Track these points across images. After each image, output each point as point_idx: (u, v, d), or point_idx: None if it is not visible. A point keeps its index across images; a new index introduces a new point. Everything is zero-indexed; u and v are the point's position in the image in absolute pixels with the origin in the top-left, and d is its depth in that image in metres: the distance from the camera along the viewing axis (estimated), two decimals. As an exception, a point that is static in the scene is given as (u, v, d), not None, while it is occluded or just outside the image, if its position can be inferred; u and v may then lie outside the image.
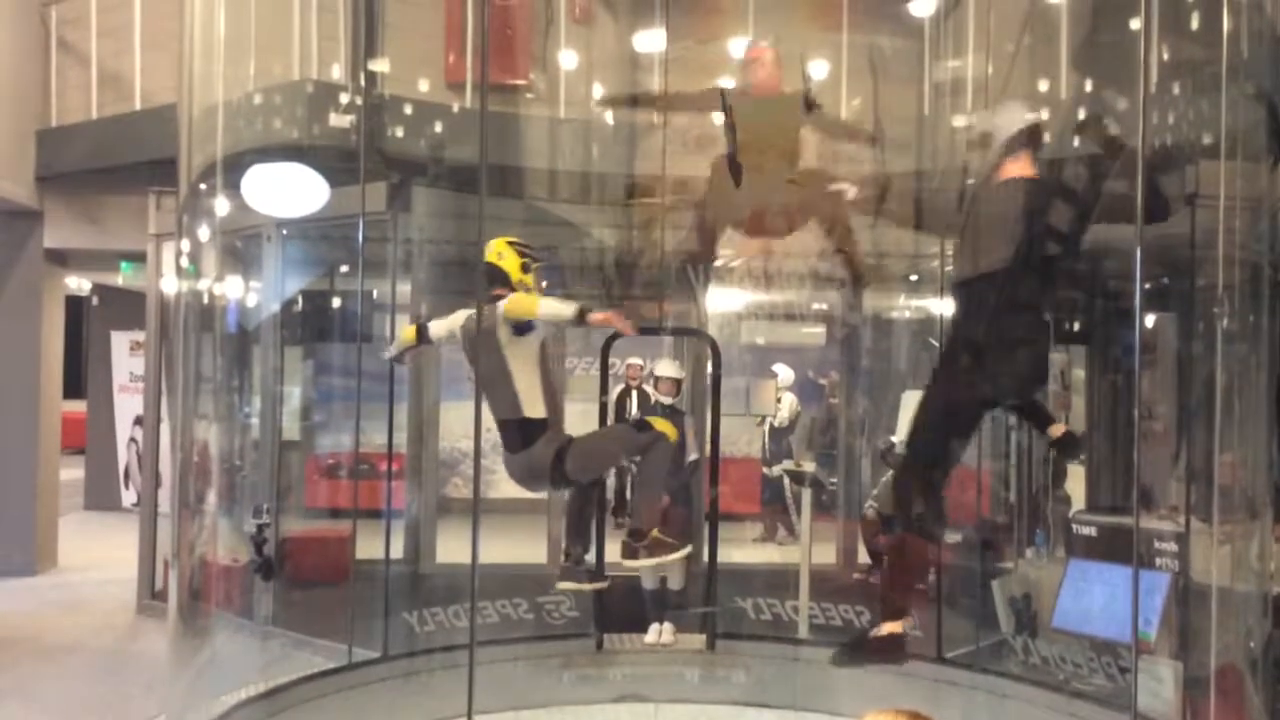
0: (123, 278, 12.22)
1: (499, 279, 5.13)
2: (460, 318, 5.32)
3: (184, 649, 5.95)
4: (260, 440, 8.13)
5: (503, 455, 5.24)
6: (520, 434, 5.07)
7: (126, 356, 15.06)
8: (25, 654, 8.35)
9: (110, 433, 15.15)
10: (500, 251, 5.16)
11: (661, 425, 5.31)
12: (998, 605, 7.43)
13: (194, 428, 5.74)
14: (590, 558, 6.03)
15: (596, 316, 4.80)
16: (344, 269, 6.34)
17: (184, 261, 5.81)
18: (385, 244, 6.98)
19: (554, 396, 5.23)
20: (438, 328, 5.46)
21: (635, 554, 5.37)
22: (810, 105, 6.29)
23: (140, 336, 14.62)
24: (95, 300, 15.28)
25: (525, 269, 5.18)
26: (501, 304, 4.95)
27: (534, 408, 5.05)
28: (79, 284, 14.39)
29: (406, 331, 5.62)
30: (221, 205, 5.88)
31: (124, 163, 9.46)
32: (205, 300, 5.92)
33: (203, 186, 5.47)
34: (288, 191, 6.00)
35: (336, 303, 6.84)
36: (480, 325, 4.99)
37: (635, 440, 5.32)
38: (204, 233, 5.99)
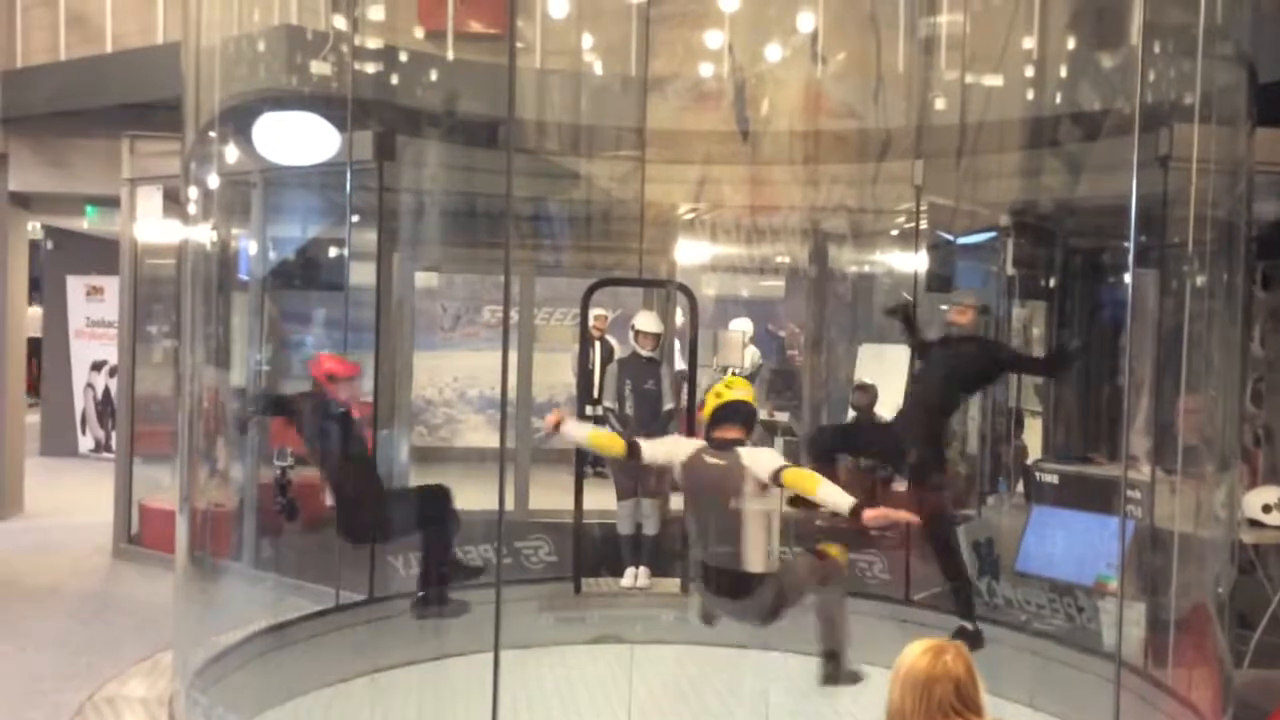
0: (88, 222, 12.05)
1: (742, 418, 4.94)
2: (682, 452, 5.01)
3: (187, 591, 6.04)
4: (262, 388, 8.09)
5: (701, 575, 5.01)
6: (733, 584, 4.84)
7: (83, 301, 14.89)
8: (8, 597, 8.32)
9: (66, 378, 14.99)
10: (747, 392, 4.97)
11: (835, 552, 5.14)
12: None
13: (203, 374, 5.76)
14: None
15: (869, 514, 4.52)
16: (355, 219, 6.34)
17: (192, 209, 5.80)
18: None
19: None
20: (652, 450, 5.14)
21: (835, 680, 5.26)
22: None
23: (97, 281, 14.48)
24: (49, 244, 15.01)
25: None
26: (780, 470, 4.68)
27: (758, 563, 4.78)
28: (32, 228, 14.08)
29: (614, 442, 5.28)
30: (216, 152, 5.85)
31: (93, 106, 9.37)
32: (213, 247, 5.90)
33: (211, 134, 5.46)
34: (297, 139, 6.00)
35: (345, 252, 6.77)
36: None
37: (818, 572, 5.07)
38: (207, 180, 5.94)
